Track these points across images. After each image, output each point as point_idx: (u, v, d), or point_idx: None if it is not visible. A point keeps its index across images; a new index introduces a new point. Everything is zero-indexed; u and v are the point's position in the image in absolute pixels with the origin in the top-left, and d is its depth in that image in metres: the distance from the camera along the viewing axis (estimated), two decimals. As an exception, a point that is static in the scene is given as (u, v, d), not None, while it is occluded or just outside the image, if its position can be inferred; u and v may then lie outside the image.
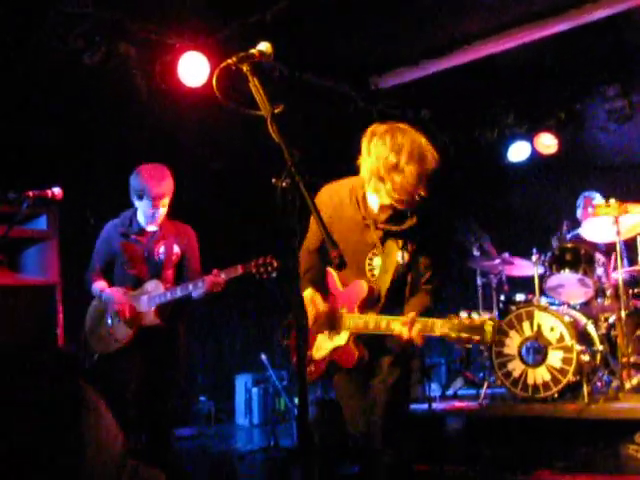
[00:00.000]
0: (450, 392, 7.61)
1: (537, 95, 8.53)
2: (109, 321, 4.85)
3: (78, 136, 6.37)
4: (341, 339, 3.62)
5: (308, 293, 3.73)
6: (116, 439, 2.09)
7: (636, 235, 6.60)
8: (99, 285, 4.93)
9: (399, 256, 3.61)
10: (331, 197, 3.78)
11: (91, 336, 4.96)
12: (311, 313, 3.69)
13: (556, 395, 6.07)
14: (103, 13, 5.99)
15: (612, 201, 4.89)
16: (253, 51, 2.98)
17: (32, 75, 5.97)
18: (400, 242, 3.65)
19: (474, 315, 3.19)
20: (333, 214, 3.70)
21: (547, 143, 8.80)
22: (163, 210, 4.85)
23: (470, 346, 3.32)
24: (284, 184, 2.68)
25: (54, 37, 5.88)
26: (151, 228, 4.92)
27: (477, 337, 3.16)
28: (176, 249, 4.92)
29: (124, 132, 6.58)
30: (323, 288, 3.79)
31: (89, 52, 6.08)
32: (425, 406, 6.56)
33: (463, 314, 3.22)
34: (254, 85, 2.87)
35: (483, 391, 6.60)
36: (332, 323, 3.68)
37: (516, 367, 6.28)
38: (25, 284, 5.74)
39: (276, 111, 2.98)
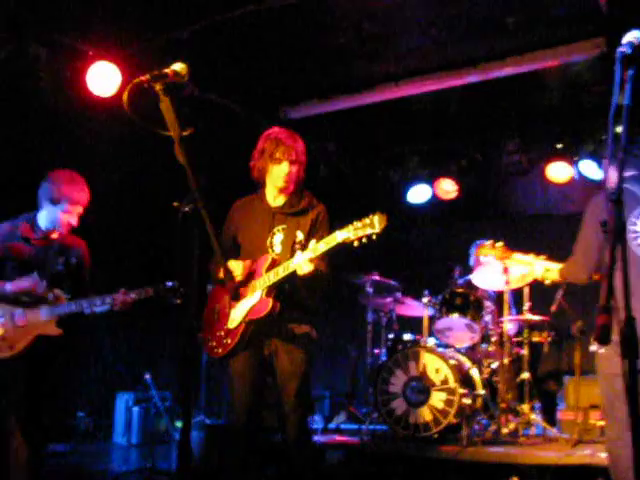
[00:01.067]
0: (333, 425, 7.62)
1: (441, 141, 8.75)
2: (4, 326, 4.57)
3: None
4: (254, 297, 4.22)
5: (230, 262, 4.29)
6: None
7: (524, 286, 6.81)
8: None
9: (297, 233, 4.33)
10: (236, 206, 4.61)
11: None
12: (237, 271, 4.25)
13: (436, 435, 6.16)
14: (16, 9, 5.84)
15: (499, 244, 5.03)
16: (167, 70, 2.95)
17: None
18: (296, 221, 4.37)
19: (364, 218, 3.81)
20: (241, 217, 4.52)
21: (447, 188, 9.01)
22: (73, 220, 4.71)
23: (365, 241, 3.78)
24: (187, 209, 2.68)
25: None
26: (54, 235, 4.74)
27: (369, 229, 3.75)
28: (73, 260, 4.81)
29: (24, 135, 6.38)
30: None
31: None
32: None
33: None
34: (165, 105, 2.85)
35: (365, 427, 6.65)
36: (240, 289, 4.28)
37: (399, 405, 6.35)
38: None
39: (184, 134, 2.96)
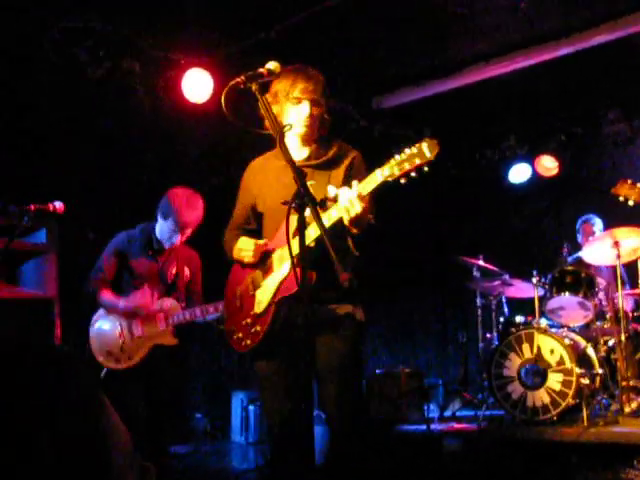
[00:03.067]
0: (448, 413, 7.56)
1: (538, 117, 8.56)
2: (123, 337, 4.75)
3: (80, 150, 6.35)
4: (283, 271, 3.48)
5: (241, 239, 3.68)
6: (127, 437, 2.11)
7: (636, 259, 6.59)
8: (107, 295, 4.81)
9: (329, 189, 3.41)
10: (252, 167, 3.82)
11: (99, 351, 4.82)
12: (248, 252, 3.60)
13: (555, 418, 6.03)
14: (108, 28, 6.01)
15: (639, 184, 4.83)
16: (261, 70, 2.98)
17: (35, 88, 5.97)
18: (326, 174, 3.58)
19: (409, 147, 3.06)
20: (260, 180, 3.73)
21: (548, 165, 8.81)
22: (182, 239, 4.86)
23: (414, 174, 3.01)
24: (293, 205, 2.70)
25: (58, 51, 5.89)
26: (168, 246, 4.90)
27: (419, 160, 3.00)
28: (186, 271, 4.94)
29: (126, 147, 6.57)
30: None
31: (93, 66, 6.10)
32: (423, 427, 6.52)
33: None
34: (263, 104, 2.87)
35: (482, 413, 6.56)
36: (266, 262, 3.57)
37: (515, 389, 6.25)
38: (23, 297, 5.71)
39: (285, 130, 2.98)
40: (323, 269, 3.16)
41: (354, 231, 3.31)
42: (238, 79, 2.88)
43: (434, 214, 9.26)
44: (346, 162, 3.61)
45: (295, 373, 3.51)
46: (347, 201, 3.17)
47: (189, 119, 6.47)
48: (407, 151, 3.02)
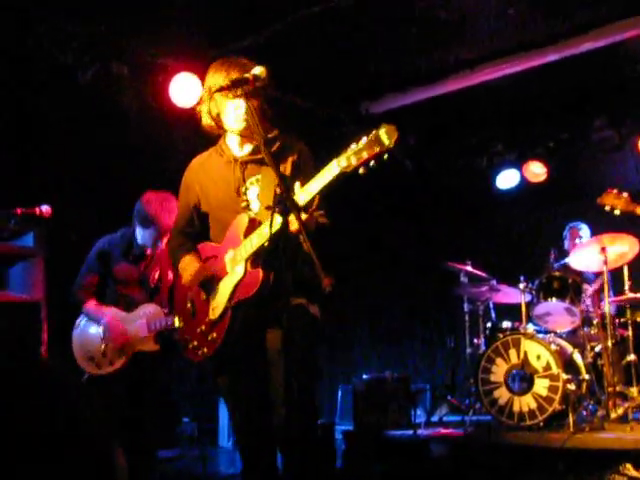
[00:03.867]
0: (435, 418, 7.57)
1: (526, 124, 8.59)
2: (103, 344, 4.74)
3: (66, 153, 6.34)
4: (238, 273, 3.29)
5: (184, 259, 3.54)
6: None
7: (622, 265, 6.62)
8: (91, 305, 4.84)
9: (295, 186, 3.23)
10: (193, 166, 3.66)
11: (81, 356, 4.83)
12: (189, 274, 3.46)
13: (542, 424, 6.04)
14: (96, 30, 6.01)
15: (624, 194, 4.84)
16: (247, 75, 2.98)
17: (21, 91, 5.95)
18: (273, 169, 3.27)
19: (366, 135, 2.88)
20: (202, 178, 3.57)
21: (536, 171, 8.84)
22: (163, 243, 4.82)
23: (373, 163, 2.81)
24: (276, 211, 2.68)
25: (45, 53, 5.89)
26: (149, 251, 4.89)
27: (377, 148, 2.82)
28: (170, 275, 4.90)
29: (112, 151, 6.56)
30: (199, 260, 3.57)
31: (81, 70, 6.09)
32: (410, 432, 6.52)
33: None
34: (248, 110, 2.88)
35: (469, 418, 6.57)
36: (216, 273, 3.40)
37: (502, 395, 6.25)
38: (10, 301, 5.69)
39: (269, 136, 2.99)
40: (280, 266, 3.05)
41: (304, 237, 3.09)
42: (223, 84, 2.88)
43: (422, 219, 9.27)
44: (293, 156, 3.46)
45: (256, 381, 3.37)
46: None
47: (177, 123, 6.47)
48: (364, 139, 2.85)
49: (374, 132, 2.83)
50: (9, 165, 5.92)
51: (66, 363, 4.89)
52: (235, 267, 3.30)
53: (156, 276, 4.88)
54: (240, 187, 3.42)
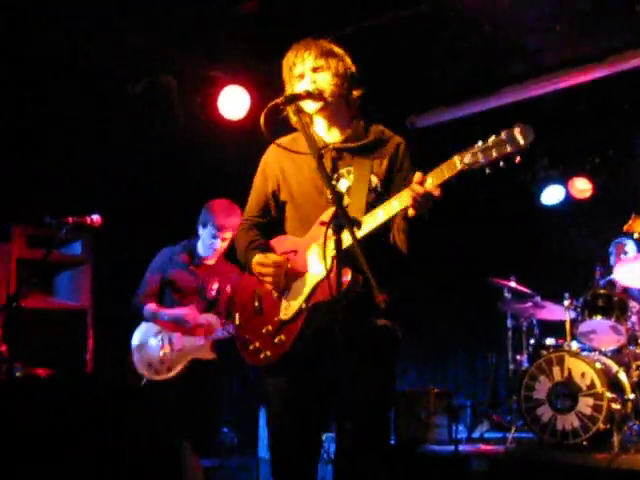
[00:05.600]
0: (476, 434, 7.51)
1: (572, 139, 8.53)
2: (163, 349, 4.90)
3: (117, 164, 6.44)
4: (321, 271, 2.88)
5: (256, 257, 3.10)
6: None
7: (669, 282, 6.55)
8: (153, 307, 4.97)
9: (371, 178, 3.08)
10: (272, 151, 3.29)
11: (140, 362, 4.97)
12: (266, 270, 3.05)
13: (585, 443, 5.96)
14: (146, 43, 6.11)
15: None
16: (300, 91, 3.00)
17: (76, 102, 6.06)
18: (367, 160, 3.11)
19: (500, 132, 2.64)
20: (285, 162, 3.23)
21: (581, 187, 8.78)
22: (223, 244, 4.97)
23: (502, 164, 2.56)
24: (330, 226, 2.60)
25: (98, 66, 6.00)
26: (209, 262, 5.06)
27: (510, 147, 2.59)
28: (228, 288, 4.99)
29: (162, 163, 6.65)
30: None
31: (132, 82, 6.20)
32: (451, 448, 6.48)
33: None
34: (301, 126, 2.89)
35: (510, 435, 6.51)
36: (294, 269, 3.05)
37: (545, 412, 6.18)
38: (57, 307, 5.80)
39: (322, 151, 2.98)
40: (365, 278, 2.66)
41: (408, 228, 2.95)
42: (277, 100, 2.87)
43: (467, 234, 9.23)
44: (390, 150, 3.16)
45: (315, 394, 3.03)
46: (410, 191, 2.76)
47: (225, 136, 6.54)
48: (494, 137, 2.63)
49: (507, 130, 2.62)
50: (62, 175, 6.04)
51: (120, 369, 5.01)
52: (318, 265, 2.94)
53: (214, 287, 5.01)
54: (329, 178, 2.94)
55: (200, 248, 5.05)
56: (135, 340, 5.06)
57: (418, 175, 2.78)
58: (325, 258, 2.75)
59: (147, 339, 5.01)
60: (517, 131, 2.57)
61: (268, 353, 3.03)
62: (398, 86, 7.19)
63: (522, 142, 2.56)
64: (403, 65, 6.74)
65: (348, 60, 3.23)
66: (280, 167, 3.23)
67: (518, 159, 2.59)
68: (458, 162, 2.69)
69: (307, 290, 2.96)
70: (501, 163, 2.61)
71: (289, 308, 3.00)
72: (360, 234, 2.72)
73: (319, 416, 3.08)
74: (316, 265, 2.95)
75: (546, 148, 8.82)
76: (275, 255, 3.08)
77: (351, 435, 2.85)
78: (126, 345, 5.64)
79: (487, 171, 2.64)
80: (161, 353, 4.88)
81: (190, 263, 5.04)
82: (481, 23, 6.17)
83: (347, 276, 2.78)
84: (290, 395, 3.05)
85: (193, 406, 4.84)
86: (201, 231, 5.02)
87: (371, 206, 2.95)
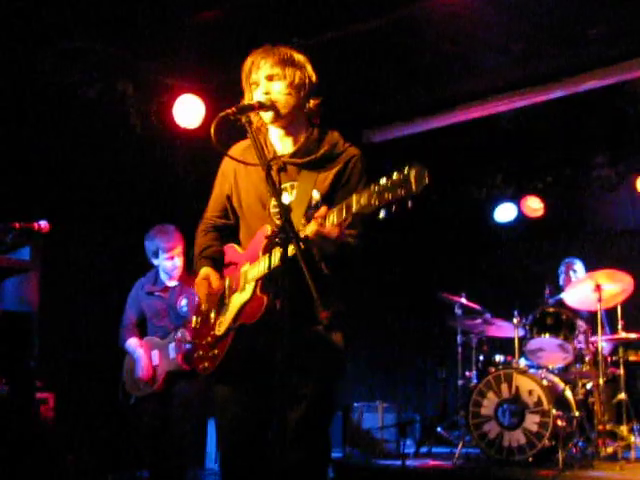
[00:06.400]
0: (424, 450, 7.53)
1: (526, 158, 8.63)
2: (139, 373, 5.26)
3: (67, 169, 6.35)
4: (246, 293, 2.94)
5: (203, 271, 3.14)
6: None
7: (616, 304, 6.64)
8: (132, 342, 5.35)
9: (313, 193, 3.00)
10: (234, 153, 3.17)
11: (129, 382, 5.35)
12: (202, 293, 3.10)
13: (531, 459, 6.02)
14: (102, 48, 6.05)
15: None
16: (253, 102, 2.97)
17: (25, 106, 5.97)
18: (313, 175, 3.04)
19: (394, 173, 2.47)
20: (239, 169, 3.17)
21: (534, 206, 8.88)
22: (179, 261, 5.29)
23: (395, 208, 2.44)
24: (277, 239, 2.58)
25: (50, 70, 5.92)
26: (171, 283, 5.35)
27: (402, 191, 2.41)
28: (195, 299, 5.08)
29: (113, 168, 6.58)
30: (221, 266, 3.20)
31: (85, 86, 6.13)
32: (399, 462, 6.49)
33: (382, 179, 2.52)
34: (252, 137, 2.86)
35: (458, 451, 6.54)
36: (231, 286, 3.08)
37: (492, 428, 6.23)
38: (2, 312, 5.69)
39: (271, 163, 2.96)
40: (299, 299, 2.57)
41: (325, 268, 2.92)
42: (229, 110, 2.83)
43: (417, 249, 9.29)
44: (339, 163, 3.06)
45: (253, 403, 3.03)
46: (313, 226, 2.75)
47: (180, 143, 6.51)
48: (385, 180, 2.48)
49: (403, 172, 2.43)
50: (8, 179, 5.94)
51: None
52: (246, 285, 2.97)
53: (183, 303, 5.25)
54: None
55: (162, 275, 5.36)
56: (125, 364, 5.41)
57: (323, 209, 2.76)
58: (248, 281, 2.86)
59: (131, 364, 5.34)
60: (412, 174, 2.40)
61: (206, 364, 3.08)
62: (355, 100, 7.22)
63: (414, 187, 2.39)
64: (360, 79, 6.76)
65: (309, 68, 3.13)
66: (234, 172, 3.19)
67: (410, 204, 2.43)
68: (355, 203, 2.59)
69: (235, 310, 3.00)
70: (394, 206, 2.47)
71: (222, 324, 3.04)
72: (266, 266, 2.78)
73: (263, 425, 3.04)
74: (245, 285, 2.98)
75: (500, 166, 8.92)
76: (216, 279, 3.10)
77: (289, 448, 2.78)
78: (73, 350, 6.34)
79: (381, 215, 2.51)
80: (139, 375, 5.22)
81: (156, 290, 5.35)
82: (439, 41, 6.22)
83: (264, 302, 2.83)
84: (233, 406, 3.05)
85: (175, 414, 5.10)
86: (156, 261, 5.32)
87: (309, 222, 2.86)
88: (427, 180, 2.38)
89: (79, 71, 6.00)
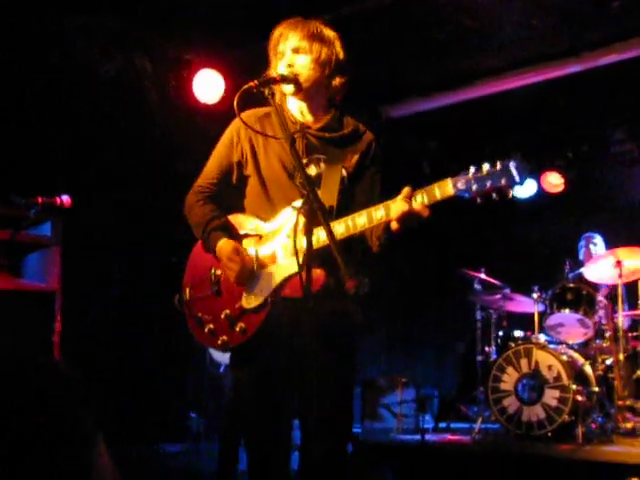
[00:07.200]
0: (443, 425, 7.56)
1: (546, 134, 8.57)
2: None
3: (87, 145, 6.38)
4: (293, 266, 2.78)
5: (229, 245, 2.94)
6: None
7: (637, 279, 6.61)
8: None
9: (342, 171, 2.99)
10: (247, 118, 3.04)
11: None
12: (236, 268, 2.90)
13: (550, 434, 6.02)
14: (121, 25, 6.05)
15: None
16: (274, 75, 2.96)
17: (46, 83, 5.99)
18: (340, 152, 3.04)
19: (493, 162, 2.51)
20: (257, 136, 3.08)
21: (553, 182, 8.82)
22: None
23: (496, 197, 2.47)
24: (302, 210, 2.57)
25: (70, 46, 5.93)
26: None
27: (503, 181, 2.48)
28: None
29: (134, 144, 6.60)
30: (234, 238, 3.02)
31: (104, 63, 6.13)
32: (418, 437, 6.52)
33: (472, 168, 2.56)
34: (275, 109, 2.86)
35: (477, 426, 6.56)
36: (262, 260, 2.94)
37: (511, 404, 6.24)
38: (24, 289, 5.73)
39: (295, 135, 2.95)
40: (332, 271, 2.68)
41: (385, 239, 2.93)
42: (252, 83, 2.82)
43: (438, 225, 9.27)
44: (362, 146, 3.08)
45: (280, 383, 2.94)
46: (398, 205, 2.76)
47: (199, 119, 6.51)
48: (488, 167, 2.53)
49: (502, 162, 2.51)
50: (30, 154, 5.97)
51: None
52: (290, 258, 2.83)
53: None
54: (298, 162, 2.77)
55: None
56: None
57: (406, 190, 2.74)
58: (297, 253, 2.60)
59: None
60: (513, 165, 2.49)
61: (225, 338, 2.93)
62: (372, 77, 7.18)
63: (517, 178, 2.48)
64: (378, 54, 6.72)
65: (337, 46, 3.11)
66: (251, 142, 3.09)
67: (510, 194, 2.52)
68: (451, 186, 2.63)
69: (275, 283, 2.88)
70: (494, 195, 2.55)
71: (253, 298, 2.90)
72: (338, 237, 2.72)
73: (287, 404, 2.97)
74: (285, 258, 2.87)
75: (520, 141, 8.86)
76: (246, 254, 2.95)
77: (314, 422, 2.80)
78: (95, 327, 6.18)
79: (479, 200, 2.59)
80: None
81: None
82: (458, 15, 6.17)
83: (321, 278, 2.77)
84: (257, 386, 2.95)
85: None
86: None
87: (341, 196, 2.93)
88: (529, 171, 2.48)
89: (97, 47, 6.00)
